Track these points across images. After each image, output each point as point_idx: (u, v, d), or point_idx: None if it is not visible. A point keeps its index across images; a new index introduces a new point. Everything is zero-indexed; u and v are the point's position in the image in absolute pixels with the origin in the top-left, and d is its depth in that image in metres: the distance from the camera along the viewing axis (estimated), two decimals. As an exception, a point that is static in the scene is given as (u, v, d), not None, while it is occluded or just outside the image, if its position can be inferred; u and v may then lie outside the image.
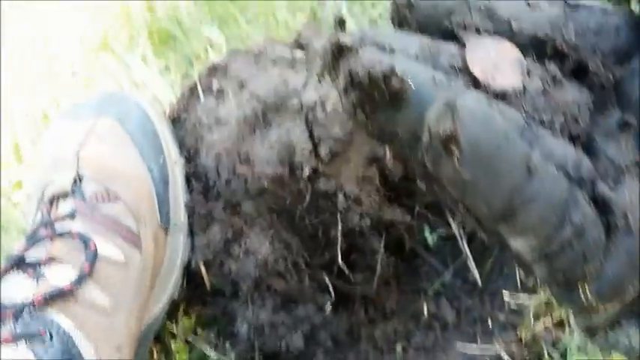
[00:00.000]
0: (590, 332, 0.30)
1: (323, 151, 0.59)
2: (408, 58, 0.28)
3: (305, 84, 0.59)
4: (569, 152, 0.27)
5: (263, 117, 0.60)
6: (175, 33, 0.88)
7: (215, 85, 0.63)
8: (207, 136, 0.61)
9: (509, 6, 0.30)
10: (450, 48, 0.30)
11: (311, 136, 0.59)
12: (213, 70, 0.64)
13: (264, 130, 0.60)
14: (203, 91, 0.63)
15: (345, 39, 0.29)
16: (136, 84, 0.86)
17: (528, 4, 0.30)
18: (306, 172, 0.59)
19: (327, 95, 0.59)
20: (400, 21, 0.31)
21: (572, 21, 0.30)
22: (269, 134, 0.59)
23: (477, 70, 0.28)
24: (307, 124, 0.59)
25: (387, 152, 0.64)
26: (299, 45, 0.65)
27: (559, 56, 0.30)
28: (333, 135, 0.59)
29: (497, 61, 0.29)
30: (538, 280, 0.32)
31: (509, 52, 0.29)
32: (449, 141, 0.24)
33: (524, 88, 0.28)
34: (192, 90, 0.65)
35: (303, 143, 0.58)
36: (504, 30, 0.30)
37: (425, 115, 0.25)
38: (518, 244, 0.27)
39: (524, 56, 0.29)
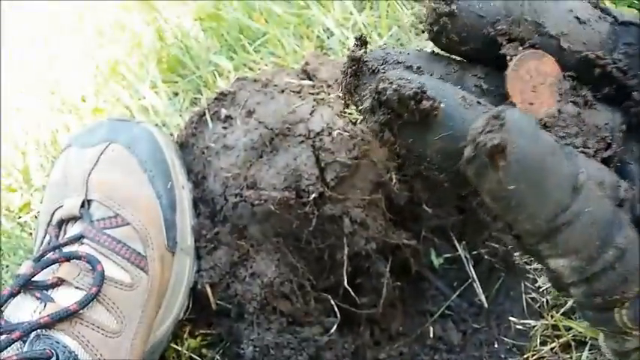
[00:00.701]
0: (621, 356, 0.29)
1: (329, 176, 0.59)
2: (434, 78, 0.28)
3: (312, 111, 0.60)
4: (605, 174, 0.27)
5: (270, 143, 0.60)
6: (184, 60, 0.89)
7: (223, 112, 0.63)
8: (215, 161, 0.61)
9: (558, 20, 0.28)
10: (475, 69, 0.29)
11: (317, 161, 0.59)
12: (222, 97, 0.65)
13: (271, 155, 0.60)
14: (211, 117, 0.63)
15: (368, 56, 0.29)
16: (144, 109, 0.87)
17: (578, 18, 0.28)
18: (313, 196, 0.59)
19: (333, 122, 0.59)
20: (439, 30, 0.29)
21: (622, 39, 0.28)
22: (276, 160, 0.59)
23: (516, 97, 0.27)
24: (314, 150, 0.59)
25: (393, 177, 0.64)
26: (306, 73, 0.65)
27: (603, 77, 0.29)
28: (339, 160, 0.59)
29: (537, 84, 0.28)
30: (575, 303, 0.31)
31: (550, 71, 0.28)
32: (495, 153, 0.23)
33: (560, 111, 0.28)
34: (201, 116, 0.65)
35: (309, 168, 0.59)
36: (551, 46, 0.28)
37: (461, 130, 0.25)
38: (559, 264, 0.26)
39: (565, 76, 0.28)
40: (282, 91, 0.62)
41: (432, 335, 0.68)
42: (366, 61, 0.29)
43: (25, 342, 0.50)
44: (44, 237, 0.61)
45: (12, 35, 1.23)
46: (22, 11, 1.26)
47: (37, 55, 1.19)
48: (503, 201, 0.24)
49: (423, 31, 0.74)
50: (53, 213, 0.61)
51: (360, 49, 0.30)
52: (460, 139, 0.25)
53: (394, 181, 0.66)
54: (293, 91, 0.63)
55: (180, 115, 0.84)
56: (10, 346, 0.50)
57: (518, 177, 0.23)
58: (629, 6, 0.66)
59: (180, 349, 0.66)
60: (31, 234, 0.81)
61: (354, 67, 0.29)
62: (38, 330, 0.51)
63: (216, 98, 0.66)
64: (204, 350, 0.67)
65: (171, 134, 0.80)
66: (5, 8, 1.22)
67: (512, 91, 0.27)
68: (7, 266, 0.78)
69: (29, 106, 1.04)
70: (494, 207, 0.25)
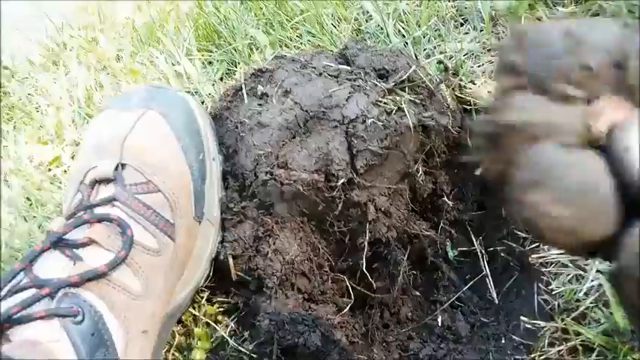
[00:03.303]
0: None
1: (359, 163, 0.57)
2: None
3: (348, 97, 0.57)
4: None
5: (304, 125, 0.58)
6: (220, 30, 0.86)
7: (260, 89, 0.61)
8: (248, 137, 0.59)
9: None
10: None
11: (349, 147, 0.57)
12: (259, 74, 0.62)
13: (304, 137, 0.58)
14: (247, 93, 0.61)
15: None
16: (178, 75, 0.85)
17: None
18: (341, 181, 0.57)
19: (368, 110, 0.57)
20: (509, 68, 0.27)
21: None
22: (308, 142, 0.57)
23: None
24: (347, 136, 0.57)
25: (420, 169, 0.62)
26: (344, 58, 0.63)
27: None
28: (370, 149, 0.57)
29: None
30: None
31: None
32: None
33: None
34: (237, 91, 0.63)
35: (340, 154, 0.57)
36: None
37: None
38: None
39: None
40: (320, 74, 0.60)
41: (440, 324, 0.67)
42: None
43: (53, 298, 0.50)
44: (75, 195, 0.60)
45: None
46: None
47: (73, 13, 1.16)
48: None
49: (462, 24, 0.71)
50: (87, 173, 0.59)
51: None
52: None
53: (420, 172, 0.64)
54: (330, 75, 0.60)
55: (213, 85, 0.81)
56: (38, 301, 0.49)
57: None
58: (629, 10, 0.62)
59: (197, 314, 0.65)
60: (60, 187, 0.80)
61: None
62: (66, 288, 0.50)
63: (253, 74, 0.63)
64: (220, 317, 0.66)
65: (203, 102, 0.78)
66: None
67: None
68: (34, 217, 0.77)
69: (65, 62, 1.02)
70: None
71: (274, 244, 0.61)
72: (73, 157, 0.83)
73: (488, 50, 0.67)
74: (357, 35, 0.77)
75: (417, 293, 0.69)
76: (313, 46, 0.77)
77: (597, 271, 0.54)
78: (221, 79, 0.82)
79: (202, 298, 0.66)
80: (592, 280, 0.54)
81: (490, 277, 0.66)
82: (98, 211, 0.56)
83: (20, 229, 0.75)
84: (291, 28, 0.80)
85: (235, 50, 0.83)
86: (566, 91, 0.26)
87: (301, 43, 0.78)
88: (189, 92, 0.80)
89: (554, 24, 0.28)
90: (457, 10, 0.72)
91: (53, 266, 0.53)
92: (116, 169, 0.58)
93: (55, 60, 1.06)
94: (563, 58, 0.26)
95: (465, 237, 0.70)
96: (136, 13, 1.06)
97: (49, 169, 0.84)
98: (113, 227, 0.55)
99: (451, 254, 0.69)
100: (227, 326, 0.66)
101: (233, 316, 0.66)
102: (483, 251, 0.68)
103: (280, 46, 0.80)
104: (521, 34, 0.28)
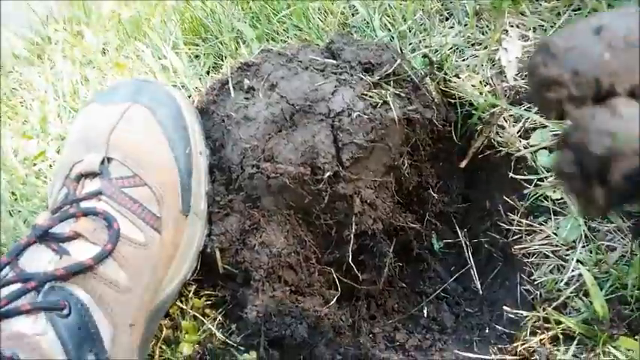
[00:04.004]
0: None
1: (345, 156, 0.58)
2: None
3: (333, 91, 0.58)
4: None
5: (290, 118, 0.58)
6: (207, 23, 0.85)
7: (246, 83, 0.61)
8: (235, 130, 0.59)
9: None
10: None
11: (335, 141, 0.57)
12: (245, 68, 0.62)
13: (291, 131, 0.58)
14: (234, 87, 0.61)
15: None
16: (165, 68, 0.85)
17: None
18: (327, 174, 0.57)
19: (353, 103, 0.57)
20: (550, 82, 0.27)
21: None
22: (295, 135, 0.58)
23: None
24: (332, 130, 0.57)
25: (405, 161, 0.63)
26: (330, 52, 0.63)
27: None
28: (356, 142, 0.57)
29: None
30: None
31: None
32: None
33: None
34: (223, 84, 0.63)
35: (326, 147, 0.57)
36: None
37: None
38: None
39: None
40: (306, 68, 0.60)
41: (425, 315, 0.68)
42: None
43: (39, 292, 0.50)
44: (61, 189, 0.60)
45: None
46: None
47: (58, 6, 1.15)
48: None
49: (447, 19, 0.71)
50: (72, 166, 0.59)
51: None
52: None
53: (406, 165, 0.64)
54: (316, 69, 0.60)
55: (200, 79, 0.81)
56: (24, 295, 0.49)
57: None
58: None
59: (184, 307, 0.66)
60: (45, 182, 0.80)
61: None
62: (53, 281, 0.50)
63: (239, 68, 0.63)
64: (207, 310, 0.67)
65: (190, 96, 0.78)
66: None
67: None
68: (19, 211, 0.77)
69: (50, 56, 1.01)
70: None
71: (261, 237, 0.61)
72: (58, 152, 0.82)
73: (473, 44, 0.68)
74: (344, 29, 0.77)
75: (403, 285, 0.70)
76: (300, 39, 0.77)
77: (577, 261, 0.55)
78: (208, 72, 0.82)
79: (190, 291, 0.67)
80: (572, 270, 0.55)
81: (474, 269, 0.67)
82: (84, 204, 0.56)
83: (5, 224, 0.74)
84: (278, 22, 0.80)
85: (222, 44, 0.83)
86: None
87: (288, 37, 0.78)
88: (175, 86, 0.80)
89: (579, 24, 0.27)
90: (442, 5, 0.73)
91: (39, 260, 0.52)
92: (102, 162, 0.58)
93: (40, 54, 1.05)
94: (605, 54, 0.26)
95: (449, 229, 0.70)
96: (121, 7, 1.05)
97: (34, 164, 0.84)
98: (99, 221, 0.55)
99: (436, 246, 0.70)
100: (214, 319, 0.66)
101: (220, 309, 0.67)
102: (468, 243, 0.69)
103: (267, 40, 0.80)
104: (549, 45, 0.27)
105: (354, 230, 0.61)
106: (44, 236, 0.53)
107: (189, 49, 0.86)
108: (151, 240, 0.57)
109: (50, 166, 0.82)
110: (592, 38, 0.26)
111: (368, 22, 0.73)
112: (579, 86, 0.26)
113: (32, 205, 0.77)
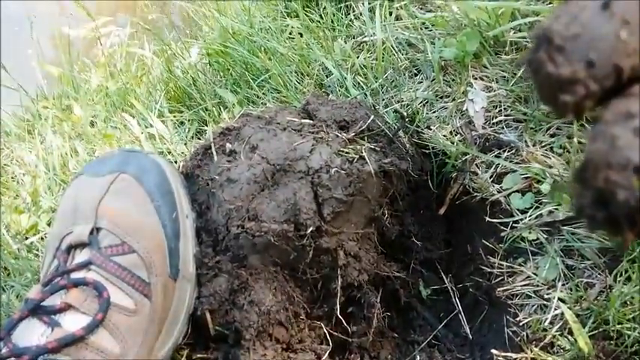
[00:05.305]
0: None
1: (326, 211, 0.60)
2: None
3: (311, 149, 0.61)
4: None
5: (272, 178, 0.61)
6: (191, 92, 0.90)
7: (228, 147, 0.64)
8: (219, 193, 0.62)
9: None
10: None
11: (315, 197, 0.60)
12: (227, 132, 0.66)
13: (273, 190, 0.61)
14: (216, 151, 0.64)
15: None
16: (152, 136, 0.88)
17: None
18: (310, 229, 0.59)
19: (331, 160, 0.60)
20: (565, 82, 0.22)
21: None
22: (277, 194, 0.60)
23: None
24: (312, 186, 0.60)
25: (386, 212, 0.65)
26: (306, 112, 0.66)
27: None
28: (335, 196, 0.60)
29: None
30: None
31: None
32: None
33: None
34: (206, 149, 0.66)
35: (308, 203, 0.59)
36: None
37: None
38: None
39: None
40: (285, 129, 0.63)
41: (419, 363, 0.68)
42: None
43: (31, 365, 0.50)
44: (52, 261, 0.61)
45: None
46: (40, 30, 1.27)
47: (49, 79, 1.20)
48: None
49: (416, 74, 0.75)
50: (63, 238, 0.61)
51: None
52: None
53: (386, 215, 0.66)
54: (294, 129, 0.64)
55: (186, 144, 0.85)
56: (17, 370, 0.50)
57: None
58: None
59: (178, 371, 0.66)
60: (37, 255, 0.81)
61: None
62: (45, 354, 0.51)
63: (221, 132, 0.67)
64: (201, 374, 0.67)
65: (176, 162, 0.81)
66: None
67: None
68: (12, 286, 0.78)
69: (40, 131, 1.04)
70: None
71: (250, 295, 0.62)
72: (49, 224, 0.84)
73: (441, 97, 0.72)
74: (320, 89, 0.81)
75: (394, 334, 0.71)
76: (279, 101, 0.81)
77: (559, 299, 0.56)
78: (192, 137, 0.86)
79: (182, 355, 0.67)
80: (555, 309, 0.56)
81: (462, 314, 0.68)
82: (74, 275, 0.57)
83: (-2, 300, 0.75)
84: (258, 87, 0.85)
85: (205, 110, 0.87)
86: None
87: (267, 100, 0.82)
88: (162, 152, 0.83)
89: (576, 2, 0.23)
90: (410, 62, 0.77)
91: (31, 333, 0.54)
92: (91, 233, 0.60)
93: (30, 130, 1.08)
94: (621, 32, 0.22)
95: (435, 275, 0.72)
96: (108, 80, 1.10)
97: (26, 237, 0.85)
98: (90, 290, 0.56)
99: (424, 293, 0.72)
100: (208, 382, 0.66)
101: (214, 372, 0.67)
102: (454, 288, 0.70)
103: (248, 104, 0.84)
104: (551, 36, 0.22)
105: (340, 283, 0.63)
106: (36, 310, 0.55)
107: (174, 116, 0.89)
108: (141, 306, 0.58)
109: (42, 238, 0.84)
110: (601, 16, 0.22)
111: (342, 82, 0.77)
112: (598, 80, 0.22)
113: (25, 279, 0.78)
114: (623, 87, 0.22)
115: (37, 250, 0.82)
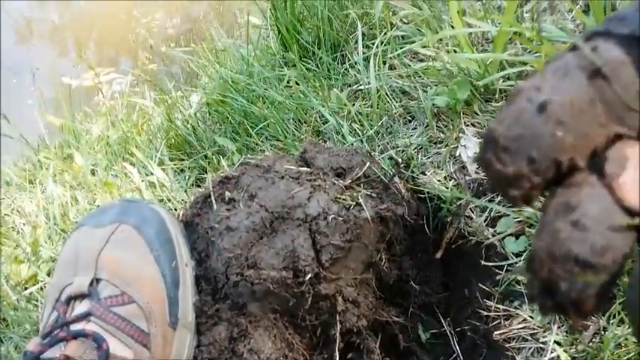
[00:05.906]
0: None
1: (324, 257, 0.61)
2: None
3: (309, 197, 0.62)
4: None
5: (270, 226, 0.62)
6: (190, 140, 0.92)
7: (227, 195, 0.65)
8: (218, 241, 0.63)
9: None
10: None
11: (313, 243, 0.61)
12: (226, 181, 0.67)
13: (271, 237, 0.62)
14: (216, 199, 0.66)
15: None
16: (152, 184, 0.90)
17: None
18: (309, 276, 0.60)
19: (328, 207, 0.62)
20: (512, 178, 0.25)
21: None
22: (275, 241, 0.61)
23: None
24: (310, 233, 0.61)
25: (383, 257, 0.66)
26: (304, 160, 0.68)
27: None
28: (333, 243, 0.61)
29: None
30: None
31: None
32: None
33: None
34: (206, 198, 0.67)
35: (306, 250, 0.60)
36: None
37: None
38: None
39: None
40: (282, 177, 0.65)
41: (420, 410, 0.68)
42: None
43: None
44: (51, 312, 0.62)
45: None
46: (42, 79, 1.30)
47: (50, 128, 1.22)
48: None
49: (410, 121, 0.78)
50: (63, 289, 0.62)
51: None
52: None
53: (384, 260, 0.67)
54: (292, 177, 0.65)
55: (186, 192, 0.86)
56: None
57: None
58: None
59: (177, 423, 0.65)
60: (36, 306, 0.81)
61: None
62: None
63: (220, 181, 0.68)
64: None
65: (176, 209, 0.82)
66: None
67: None
68: (10, 338, 0.78)
69: (41, 180, 1.06)
70: None
71: (249, 343, 0.62)
72: (49, 274, 0.85)
73: (435, 143, 0.74)
74: (317, 136, 0.84)
75: (395, 380, 0.70)
76: (277, 148, 0.83)
77: (555, 342, 0.57)
78: (192, 185, 0.87)
79: (182, 406, 0.66)
80: (551, 352, 0.57)
81: (462, 357, 0.68)
82: (74, 327, 0.58)
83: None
84: (256, 134, 0.87)
85: (205, 157, 0.89)
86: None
87: (266, 148, 0.85)
88: (162, 200, 0.85)
89: (519, 103, 0.25)
90: (404, 109, 0.80)
91: (32, 387, 0.54)
92: (91, 284, 0.61)
93: (32, 179, 1.10)
94: (557, 133, 0.24)
95: (434, 319, 0.72)
96: (109, 129, 1.12)
97: (26, 288, 0.86)
98: (89, 342, 0.57)
99: (423, 337, 0.72)
100: None
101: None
102: (453, 332, 0.70)
103: (247, 151, 0.86)
104: (496, 138, 0.25)
105: (339, 329, 0.63)
106: (35, 362, 0.55)
107: (175, 164, 0.91)
108: (141, 356, 0.59)
109: (41, 288, 0.84)
110: (538, 119, 0.24)
111: (338, 130, 0.80)
112: (540, 174, 0.24)
113: (23, 330, 0.78)
114: (564, 176, 0.25)
115: (37, 300, 0.82)
